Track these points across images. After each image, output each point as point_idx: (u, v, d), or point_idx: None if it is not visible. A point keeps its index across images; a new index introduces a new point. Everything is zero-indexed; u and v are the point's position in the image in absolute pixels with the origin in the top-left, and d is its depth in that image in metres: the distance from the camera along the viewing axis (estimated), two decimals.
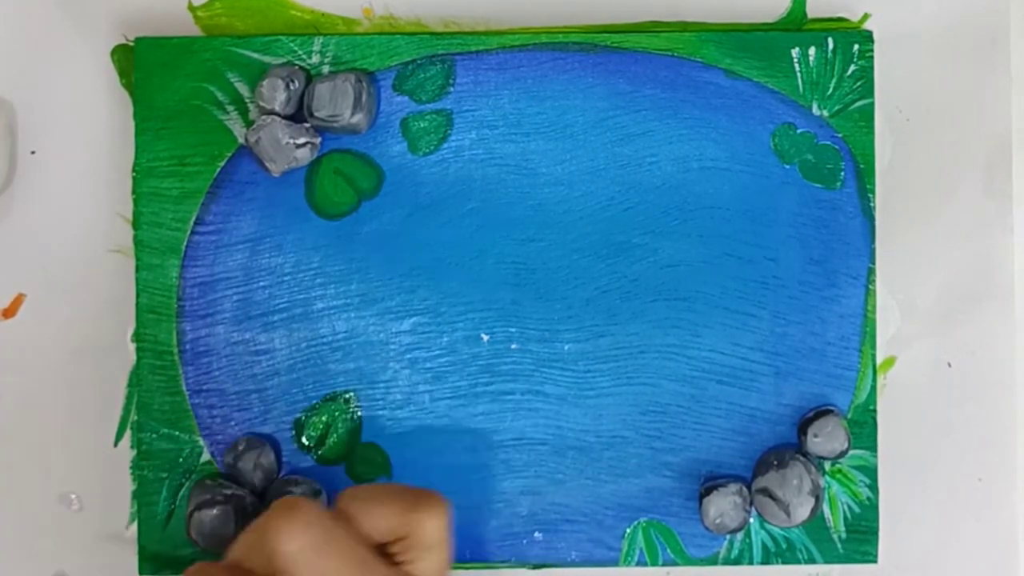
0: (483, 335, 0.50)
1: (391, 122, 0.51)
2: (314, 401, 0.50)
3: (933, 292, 0.52)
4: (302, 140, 0.49)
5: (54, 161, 0.51)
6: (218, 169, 0.50)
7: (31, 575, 0.51)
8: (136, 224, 0.50)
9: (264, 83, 0.49)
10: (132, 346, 0.50)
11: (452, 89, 0.51)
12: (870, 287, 0.51)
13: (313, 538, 0.41)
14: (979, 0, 0.52)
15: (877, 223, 0.51)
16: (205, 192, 0.50)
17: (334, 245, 0.50)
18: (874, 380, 0.50)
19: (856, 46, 0.51)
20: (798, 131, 0.51)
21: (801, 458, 0.49)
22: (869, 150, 0.51)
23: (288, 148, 0.49)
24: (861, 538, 0.50)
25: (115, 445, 0.51)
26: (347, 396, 0.50)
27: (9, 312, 0.51)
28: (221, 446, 0.50)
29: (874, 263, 0.51)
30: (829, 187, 0.51)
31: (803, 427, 0.50)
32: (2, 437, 0.51)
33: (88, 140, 0.51)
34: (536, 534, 0.50)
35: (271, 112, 0.49)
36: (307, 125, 0.50)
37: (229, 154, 0.50)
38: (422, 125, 0.51)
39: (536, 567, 0.51)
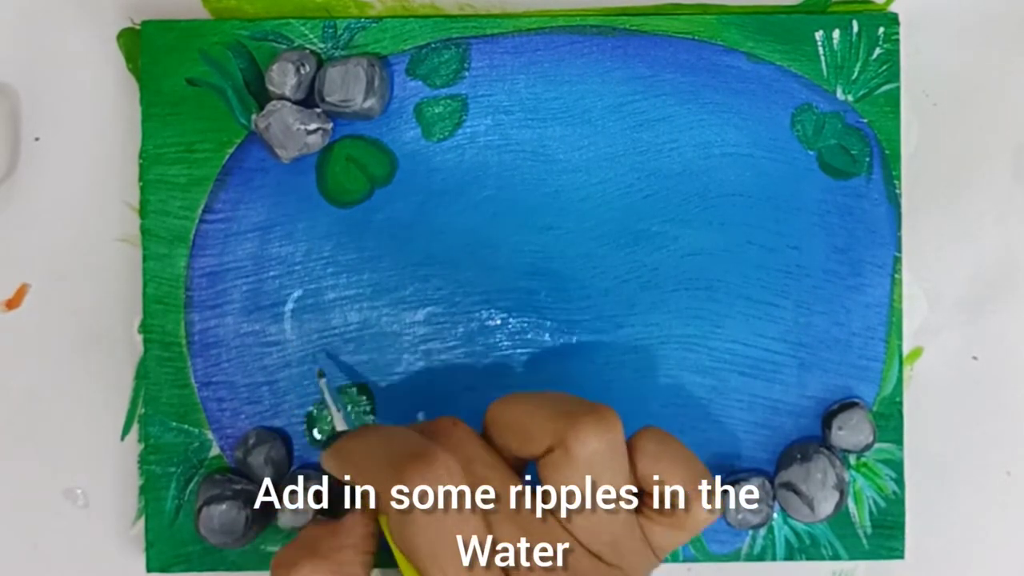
0: (495, 320, 0.49)
1: (404, 107, 0.49)
2: None
3: (961, 281, 0.51)
4: (313, 126, 0.48)
5: (59, 148, 0.50)
6: (227, 156, 0.49)
7: (35, 572, 0.50)
8: (143, 212, 0.49)
9: (274, 67, 0.48)
10: (139, 337, 0.50)
11: (467, 74, 0.49)
12: (896, 276, 0.49)
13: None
14: None
15: (903, 210, 0.50)
16: (213, 179, 0.49)
17: (346, 233, 0.49)
18: (900, 372, 0.49)
19: (881, 29, 0.49)
20: (822, 116, 0.49)
21: (825, 451, 0.48)
22: (895, 136, 0.49)
23: (299, 134, 0.48)
24: (887, 533, 0.49)
25: (122, 439, 0.50)
26: (360, 388, 0.49)
27: (13, 303, 0.50)
28: (231, 440, 0.49)
29: (900, 251, 0.49)
30: (854, 174, 0.50)
31: (827, 420, 0.49)
32: (6, 430, 0.50)
33: (93, 126, 0.50)
34: None
35: (281, 97, 0.48)
36: (318, 111, 0.48)
37: (238, 140, 0.49)
38: (436, 110, 0.49)
39: None
